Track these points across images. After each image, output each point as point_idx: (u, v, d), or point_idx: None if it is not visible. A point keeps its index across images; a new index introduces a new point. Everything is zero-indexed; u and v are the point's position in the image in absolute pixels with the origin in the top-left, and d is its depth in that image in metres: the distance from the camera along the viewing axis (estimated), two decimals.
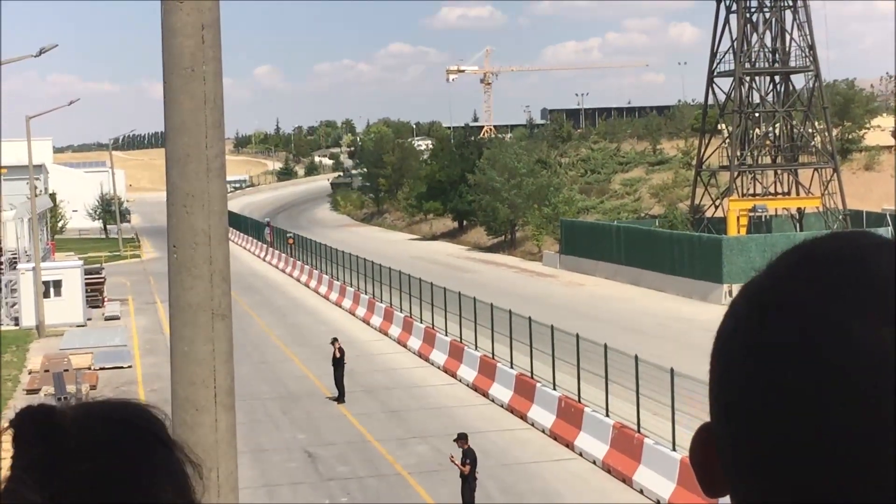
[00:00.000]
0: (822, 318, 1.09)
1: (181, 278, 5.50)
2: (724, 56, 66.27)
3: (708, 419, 1.19)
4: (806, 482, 1.08)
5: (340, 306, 54.41)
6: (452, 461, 23.15)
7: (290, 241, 77.16)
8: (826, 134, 66.57)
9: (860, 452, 1.06)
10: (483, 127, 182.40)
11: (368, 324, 48.31)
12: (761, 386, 1.11)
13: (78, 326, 50.00)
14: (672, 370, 23.55)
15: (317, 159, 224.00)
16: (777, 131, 66.91)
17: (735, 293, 1.21)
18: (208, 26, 5.46)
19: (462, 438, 23.43)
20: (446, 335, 39.79)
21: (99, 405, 1.32)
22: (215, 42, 5.51)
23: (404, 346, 42.54)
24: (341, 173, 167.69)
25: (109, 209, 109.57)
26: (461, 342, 38.15)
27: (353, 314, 51.39)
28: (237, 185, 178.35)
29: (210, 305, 5.48)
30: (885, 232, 56.13)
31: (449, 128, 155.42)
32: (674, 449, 23.58)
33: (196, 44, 5.42)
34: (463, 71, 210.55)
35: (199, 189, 5.45)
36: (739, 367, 1.14)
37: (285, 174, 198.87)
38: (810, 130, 66.75)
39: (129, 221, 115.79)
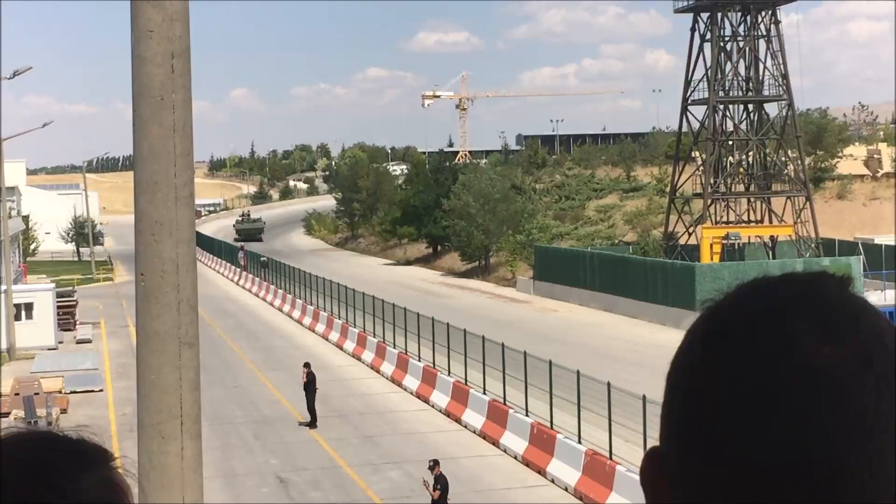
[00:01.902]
0: (769, 337, 1.13)
1: (148, 306, 5.50)
2: (698, 84, 66.66)
3: None
4: (752, 500, 1.11)
5: (314, 331, 54.31)
6: (425, 485, 23.12)
7: (264, 260, 77.16)
8: (799, 162, 66.92)
9: (804, 470, 1.09)
10: (458, 152, 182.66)
11: (342, 349, 48.22)
12: (709, 404, 1.14)
13: (49, 349, 49.72)
14: (644, 397, 23.59)
15: (291, 183, 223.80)
16: (750, 159, 67.24)
17: None
18: (178, 55, 5.47)
19: (435, 464, 23.42)
20: (419, 360, 39.76)
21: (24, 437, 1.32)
22: (185, 71, 5.52)
23: (377, 371, 42.47)
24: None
25: (82, 232, 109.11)
26: (434, 368, 38.12)
27: (327, 339, 51.30)
28: (211, 209, 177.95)
29: (177, 334, 5.48)
30: (857, 261, 56.42)
31: (424, 153, 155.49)
32: None
33: (166, 73, 5.43)
34: (439, 96, 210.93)
35: (167, 217, 5.45)
36: (690, 388, 1.17)
37: (260, 198, 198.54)
38: (783, 159, 67.10)
39: (102, 244, 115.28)
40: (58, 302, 54.02)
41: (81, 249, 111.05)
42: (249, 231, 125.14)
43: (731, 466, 1.12)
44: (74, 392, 39.68)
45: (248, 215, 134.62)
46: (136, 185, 5.59)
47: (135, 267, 5.68)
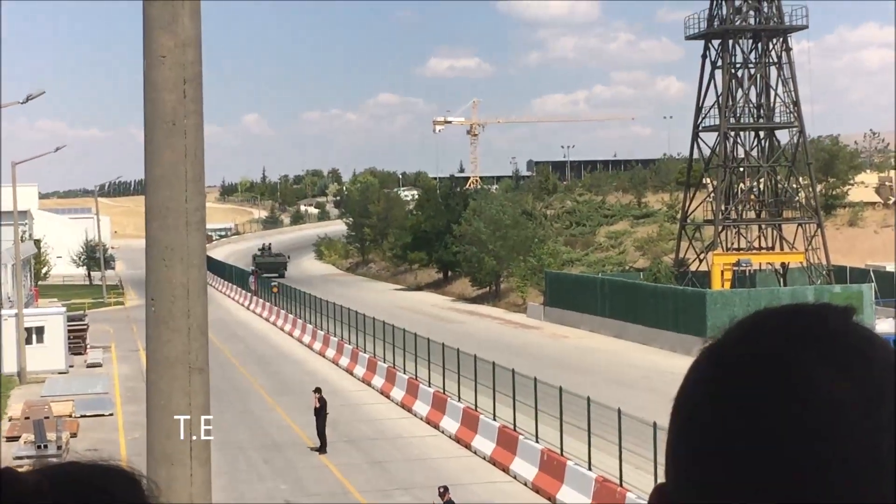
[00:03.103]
0: (780, 374, 1.12)
1: (159, 332, 5.50)
2: (709, 111, 66.72)
3: None
4: None
5: (324, 356, 54.27)
6: None
7: (275, 289, 77.13)
8: (810, 189, 66.87)
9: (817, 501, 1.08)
10: (469, 178, 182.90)
11: (352, 374, 48.17)
12: (719, 443, 1.13)
13: (60, 373, 49.75)
14: (655, 424, 23.50)
15: (303, 208, 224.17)
16: (761, 186, 67.22)
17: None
18: (190, 81, 5.49)
19: (445, 491, 23.37)
20: (429, 386, 39.70)
21: (72, 471, 1.30)
22: (197, 96, 5.54)
23: (387, 396, 42.41)
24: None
25: (94, 256, 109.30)
26: (444, 393, 38.05)
27: (337, 364, 51.26)
28: (222, 234, 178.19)
29: (187, 359, 5.48)
30: (869, 288, 56.28)
31: (435, 178, 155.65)
32: None
33: (178, 98, 5.45)
34: (450, 122, 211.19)
35: (178, 242, 5.46)
36: (697, 426, 1.16)
37: (271, 223, 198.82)
38: (794, 186, 67.07)
39: (113, 268, 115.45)
40: (69, 326, 54.07)
41: (93, 273, 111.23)
42: (271, 266, 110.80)
43: (752, 496, 1.10)
44: (84, 416, 39.66)
45: (269, 248, 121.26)
46: (148, 210, 5.60)
47: (145, 292, 5.68)
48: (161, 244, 5.50)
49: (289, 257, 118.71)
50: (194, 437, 5.47)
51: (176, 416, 5.46)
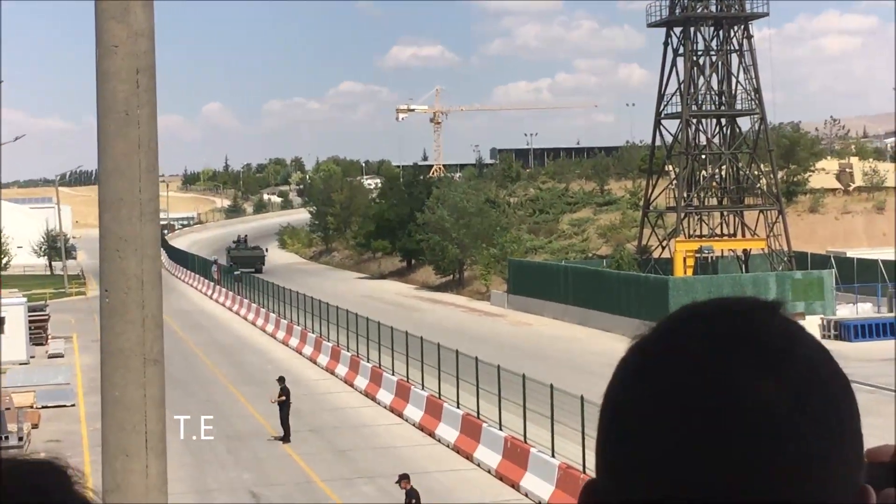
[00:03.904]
0: (704, 374, 1.11)
1: (112, 323, 5.47)
2: (671, 98, 66.93)
3: None
4: None
5: (287, 345, 54.17)
6: None
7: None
8: (771, 176, 67.22)
9: (734, 503, 1.08)
10: (432, 166, 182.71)
11: (315, 363, 48.11)
12: (644, 442, 1.12)
13: (20, 364, 49.41)
14: None
15: (265, 197, 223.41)
16: (723, 173, 67.50)
17: None
18: (143, 71, 5.45)
19: (404, 479, 23.38)
20: (393, 375, 39.70)
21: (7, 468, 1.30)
22: (150, 86, 5.50)
23: (351, 385, 42.39)
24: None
25: (55, 246, 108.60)
26: (408, 382, 38.08)
27: (300, 353, 51.17)
28: (185, 223, 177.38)
29: (142, 351, 5.44)
30: (829, 274, 56.68)
31: (398, 167, 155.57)
32: None
33: (130, 88, 5.41)
34: (413, 110, 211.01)
35: (131, 233, 5.42)
36: (623, 424, 1.15)
37: (233, 212, 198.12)
38: (756, 173, 67.39)
39: (74, 258, 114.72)
40: (29, 316, 53.70)
41: (54, 263, 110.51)
42: (247, 260, 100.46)
43: (663, 502, 1.10)
44: (46, 407, 39.44)
45: (245, 241, 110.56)
46: (101, 201, 5.56)
47: (99, 283, 5.65)
48: (114, 235, 5.46)
49: (266, 250, 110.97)
50: (149, 430, 5.44)
51: (130, 409, 5.43)
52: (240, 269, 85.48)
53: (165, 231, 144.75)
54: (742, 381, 1.10)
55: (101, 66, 5.44)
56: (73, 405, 40.29)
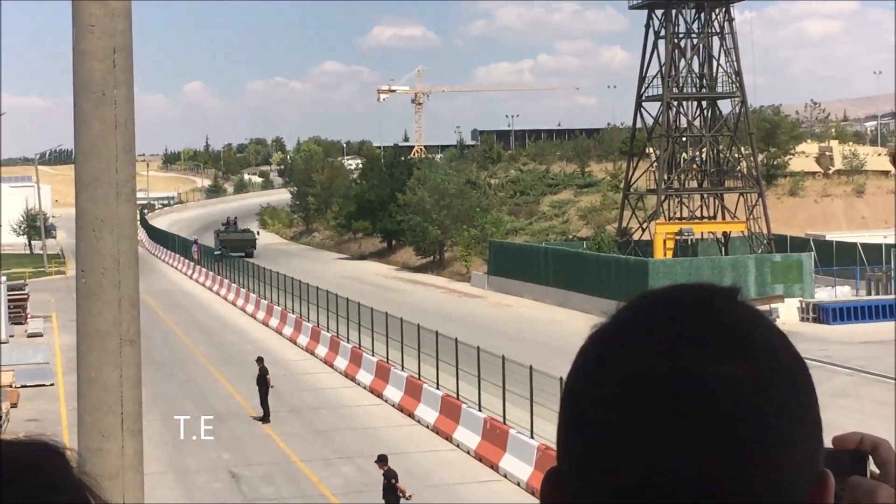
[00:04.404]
0: (665, 361, 1.11)
1: (89, 304, 5.45)
2: (652, 80, 66.98)
3: None
4: None
5: (268, 325, 54.12)
6: (403, 494, 22.94)
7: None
8: (752, 159, 67.35)
9: (708, 494, 1.08)
10: (413, 147, 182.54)
11: (295, 343, 48.09)
12: (606, 429, 1.13)
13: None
14: None
15: (246, 177, 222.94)
16: (704, 156, 67.61)
17: None
18: (120, 50, 5.42)
19: (382, 460, 23.41)
20: (373, 355, 39.72)
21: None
22: (127, 66, 5.47)
23: (331, 365, 42.39)
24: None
25: (34, 224, 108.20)
26: (388, 362, 38.09)
27: (281, 333, 51.14)
28: (165, 203, 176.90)
29: (118, 331, 5.43)
30: (809, 257, 56.88)
31: (379, 147, 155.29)
32: None
33: (107, 68, 5.38)
34: (394, 91, 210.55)
35: (108, 214, 5.40)
36: (585, 412, 1.16)
37: (214, 191, 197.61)
38: (736, 155, 67.51)
39: (54, 237, 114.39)
40: (9, 295, 53.54)
41: (33, 242, 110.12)
42: (238, 244, 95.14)
43: (630, 489, 1.11)
44: (25, 386, 39.34)
45: (235, 223, 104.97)
46: (77, 181, 5.54)
47: (76, 263, 5.64)
48: (91, 215, 5.44)
49: (258, 233, 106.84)
50: (126, 410, 5.44)
51: (107, 389, 5.42)
52: (230, 253, 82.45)
53: (146, 211, 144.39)
54: (706, 366, 1.10)
55: (78, 45, 5.42)
56: (52, 384, 40.21)
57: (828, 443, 1.24)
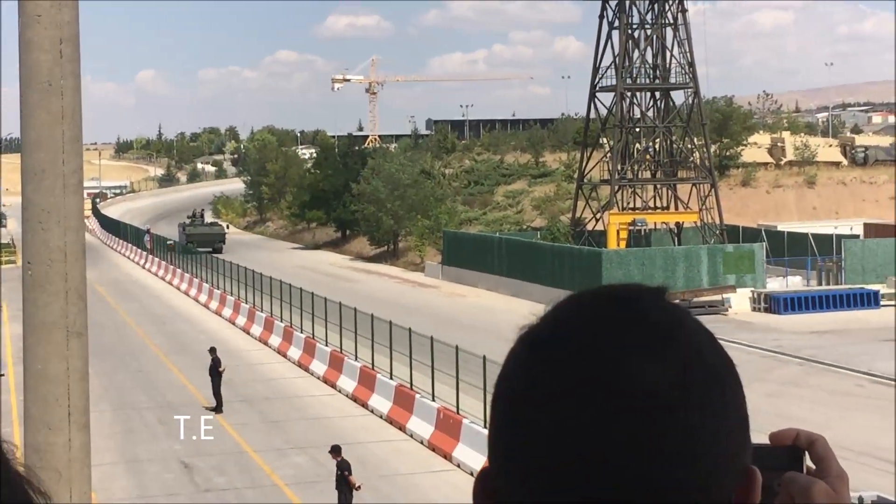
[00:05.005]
0: (592, 361, 1.12)
1: (35, 295, 5.42)
2: (606, 71, 67.22)
3: None
4: None
5: (221, 315, 53.90)
6: (354, 486, 22.89)
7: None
8: (704, 150, 67.74)
9: (637, 495, 1.09)
10: (368, 136, 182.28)
11: (248, 333, 47.93)
12: (534, 431, 1.14)
13: None
14: None
15: (199, 166, 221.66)
16: (657, 146, 67.94)
17: None
18: (67, 41, 5.38)
19: (335, 451, 23.38)
20: (327, 345, 39.67)
21: None
22: (74, 57, 5.43)
23: (284, 356, 42.28)
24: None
25: None
26: (341, 353, 38.05)
27: (234, 323, 50.94)
28: (117, 192, 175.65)
29: (65, 323, 5.40)
30: (760, 247, 57.29)
31: (334, 137, 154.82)
32: None
33: (54, 58, 5.34)
34: (349, 80, 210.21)
35: (54, 205, 5.37)
36: (513, 414, 1.17)
37: (167, 180, 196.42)
38: (689, 146, 67.87)
39: (4, 226, 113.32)
40: None
41: None
42: (205, 238, 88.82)
43: (556, 490, 1.12)
44: None
45: (202, 216, 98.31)
46: (24, 172, 5.50)
47: (21, 255, 5.60)
48: (37, 206, 5.41)
49: (228, 226, 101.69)
50: (73, 403, 5.41)
51: (53, 382, 5.39)
52: (196, 248, 77.12)
53: (98, 200, 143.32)
54: (631, 364, 1.11)
55: (24, 35, 5.38)
56: (2, 375, 39.83)
57: (765, 439, 1.25)
